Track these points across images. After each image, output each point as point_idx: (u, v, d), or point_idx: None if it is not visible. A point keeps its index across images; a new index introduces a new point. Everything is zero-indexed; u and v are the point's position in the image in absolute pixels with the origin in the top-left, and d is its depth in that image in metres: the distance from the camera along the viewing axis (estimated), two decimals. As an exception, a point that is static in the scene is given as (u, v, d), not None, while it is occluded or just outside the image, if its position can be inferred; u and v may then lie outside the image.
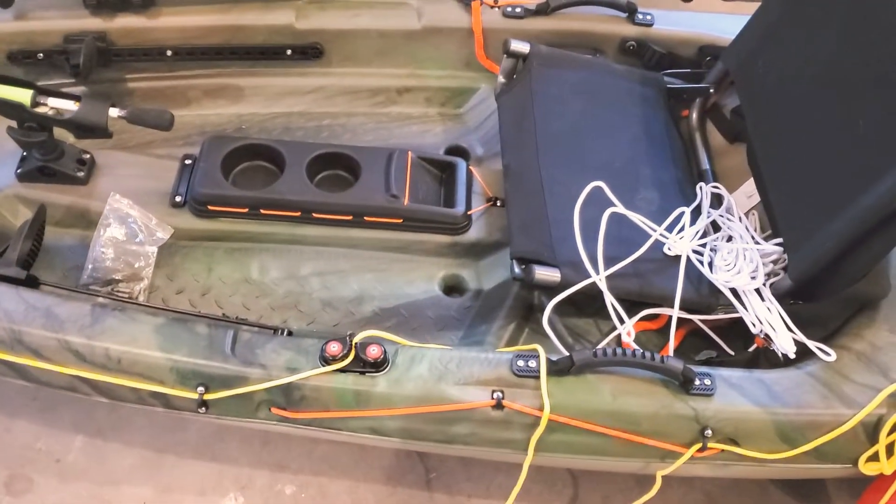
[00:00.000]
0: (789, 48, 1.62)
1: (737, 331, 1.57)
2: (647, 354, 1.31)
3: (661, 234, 1.54)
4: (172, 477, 1.60)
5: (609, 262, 1.46)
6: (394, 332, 1.53)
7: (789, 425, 1.34)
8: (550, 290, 1.48)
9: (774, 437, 1.35)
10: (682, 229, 1.60)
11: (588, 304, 1.56)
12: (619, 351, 1.32)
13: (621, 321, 1.49)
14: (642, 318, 1.55)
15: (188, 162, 1.67)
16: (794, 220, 1.51)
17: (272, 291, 1.59)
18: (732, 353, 1.56)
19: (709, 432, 1.33)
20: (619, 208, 1.49)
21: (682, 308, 1.50)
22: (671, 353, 1.47)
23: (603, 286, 1.45)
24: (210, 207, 1.59)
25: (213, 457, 1.63)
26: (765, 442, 1.36)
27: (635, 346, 1.47)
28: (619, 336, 1.53)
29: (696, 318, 1.55)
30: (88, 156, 1.64)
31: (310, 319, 1.57)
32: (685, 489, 1.67)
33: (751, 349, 1.54)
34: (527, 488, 1.40)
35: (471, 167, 1.73)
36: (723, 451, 1.35)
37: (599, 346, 1.52)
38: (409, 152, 1.69)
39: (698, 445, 1.34)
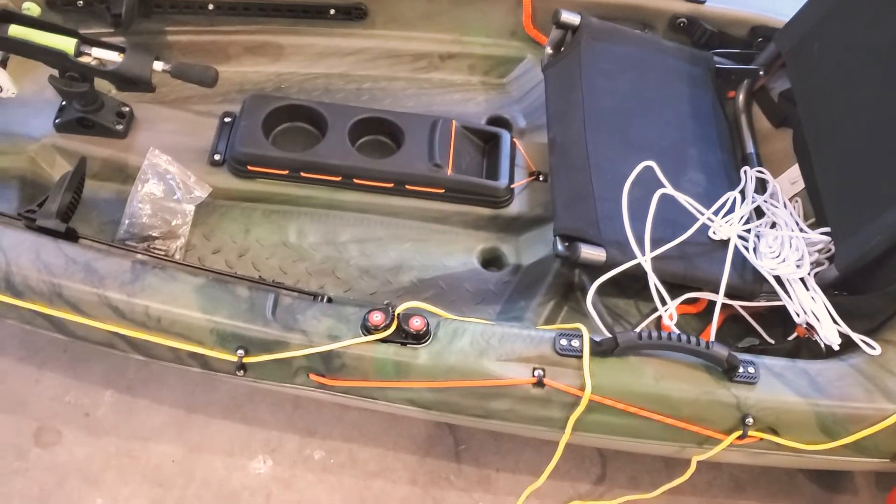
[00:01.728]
0: (849, 32, 1.59)
1: (776, 318, 1.56)
2: (692, 339, 1.29)
3: (708, 218, 1.52)
4: (202, 436, 1.60)
5: (654, 243, 1.44)
6: (431, 303, 1.52)
7: (831, 417, 1.33)
8: (593, 269, 1.46)
9: (815, 428, 1.34)
10: (728, 212, 1.58)
11: (630, 284, 1.54)
12: (663, 334, 1.30)
13: (663, 303, 1.47)
14: (683, 302, 1.54)
15: (228, 120, 1.65)
16: (843, 210, 1.48)
17: (310, 256, 1.57)
18: (772, 341, 1.55)
19: (750, 420, 1.32)
20: (669, 189, 1.46)
21: (725, 294, 1.49)
22: (713, 338, 1.46)
23: (648, 268, 1.43)
24: (249, 168, 1.57)
25: (242, 418, 1.62)
26: (805, 432, 1.34)
27: (676, 330, 1.45)
28: (659, 318, 1.52)
29: (737, 304, 1.53)
30: (128, 109, 1.61)
31: (347, 287, 1.55)
32: (714, 473, 1.66)
33: (791, 338, 1.53)
34: (555, 465, 1.39)
35: (514, 139, 1.70)
36: (761, 439, 1.35)
37: (640, 327, 1.51)
38: (453, 121, 1.66)
39: (738, 433, 1.33)
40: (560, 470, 1.60)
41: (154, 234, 1.53)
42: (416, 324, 1.29)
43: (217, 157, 1.59)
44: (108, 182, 1.60)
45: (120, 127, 1.58)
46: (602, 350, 1.30)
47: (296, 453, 1.60)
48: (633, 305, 1.56)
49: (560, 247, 1.47)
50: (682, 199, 1.48)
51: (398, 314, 1.29)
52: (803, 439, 1.35)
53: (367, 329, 1.28)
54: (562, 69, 1.70)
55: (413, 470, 1.60)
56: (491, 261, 1.64)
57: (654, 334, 1.30)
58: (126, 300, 1.29)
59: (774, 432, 1.34)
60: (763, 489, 1.67)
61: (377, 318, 1.28)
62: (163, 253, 1.53)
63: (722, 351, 1.29)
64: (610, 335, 1.43)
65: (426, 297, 1.55)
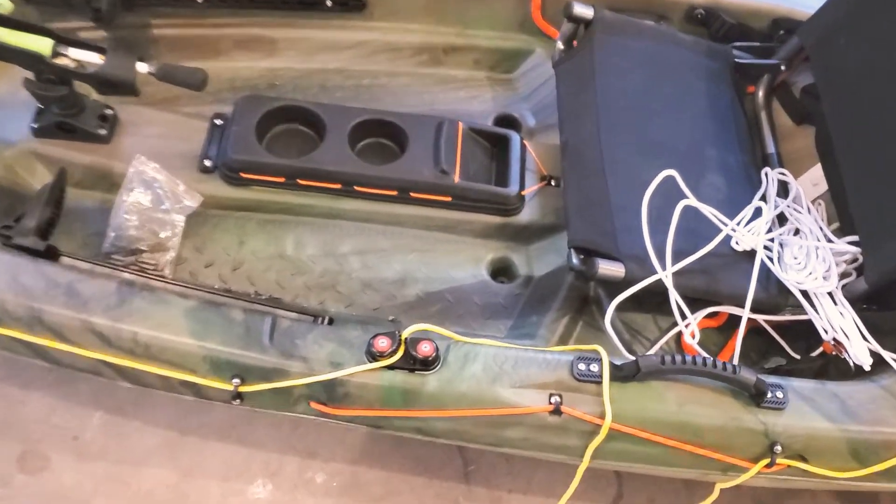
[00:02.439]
0: (879, 25, 1.49)
1: (800, 330, 1.48)
2: (718, 364, 1.21)
3: (726, 223, 1.43)
4: (197, 460, 1.51)
5: (674, 256, 1.36)
6: (438, 318, 1.45)
7: (863, 443, 1.25)
8: (610, 283, 1.37)
9: (846, 454, 1.26)
10: (751, 220, 1.49)
11: (648, 298, 1.44)
12: (688, 358, 1.22)
13: (683, 317, 1.39)
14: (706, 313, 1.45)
15: (219, 122, 1.55)
16: (873, 217, 1.40)
17: (309, 269, 1.48)
18: (797, 356, 1.47)
19: (778, 448, 1.24)
20: (693, 201, 1.37)
21: (743, 305, 1.41)
22: (736, 357, 1.38)
23: (669, 284, 1.34)
24: (243, 175, 1.47)
25: (239, 440, 1.54)
26: (835, 459, 1.27)
27: (699, 349, 1.38)
28: (679, 334, 1.44)
29: (762, 318, 1.45)
30: (111, 112, 1.51)
31: (348, 302, 1.46)
32: (734, 493, 1.59)
33: (816, 353, 1.45)
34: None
35: (524, 141, 1.60)
36: (789, 466, 1.28)
37: (659, 343, 1.43)
38: (460, 123, 1.56)
39: (766, 461, 1.25)
40: (575, 491, 1.53)
41: (142, 248, 1.44)
42: (424, 349, 1.20)
43: (208, 163, 1.49)
44: (91, 190, 1.50)
45: (103, 131, 1.48)
46: (623, 375, 1.22)
47: (296, 476, 1.52)
48: (650, 320, 1.48)
49: (575, 260, 1.38)
50: (706, 210, 1.39)
51: (405, 339, 1.21)
52: (833, 466, 1.27)
53: (373, 355, 1.20)
54: (574, 66, 1.60)
55: (420, 493, 1.53)
56: (500, 271, 1.55)
57: (678, 358, 1.21)
58: (112, 326, 1.20)
59: (803, 459, 1.27)
60: (785, 507, 1.60)
61: (383, 343, 1.19)
62: (152, 267, 1.44)
63: (750, 376, 1.21)
64: (629, 356, 1.36)
65: (433, 311, 1.46)
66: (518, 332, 1.43)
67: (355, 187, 1.49)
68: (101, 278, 1.25)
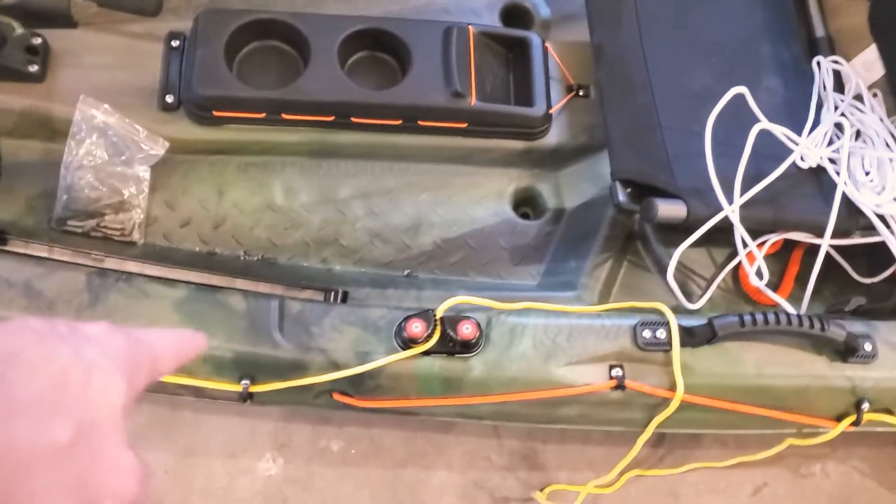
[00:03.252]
0: None
1: (858, 250, 1.31)
2: (805, 321, 1.05)
3: (797, 143, 1.23)
4: (195, 438, 1.33)
5: (730, 182, 1.16)
6: (461, 268, 1.26)
7: (956, 390, 1.13)
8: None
9: (937, 404, 1.14)
10: (812, 128, 1.29)
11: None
12: (770, 317, 1.05)
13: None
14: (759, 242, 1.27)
15: (175, 44, 1.25)
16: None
17: (305, 221, 1.24)
18: (863, 279, 1.31)
19: (865, 406, 1.11)
20: (765, 123, 1.16)
21: (813, 233, 1.24)
22: (807, 298, 1.22)
23: (735, 220, 1.15)
24: (215, 113, 1.21)
25: (239, 411, 1.35)
26: (924, 409, 1.15)
27: (771, 294, 1.21)
28: (738, 269, 1.27)
29: (831, 242, 1.27)
30: (40, 41, 1.20)
31: (355, 256, 1.24)
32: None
33: (884, 275, 1.30)
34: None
35: (546, 44, 1.34)
36: (870, 420, 1.15)
37: (716, 281, 1.25)
38: (470, 27, 1.29)
39: (851, 418, 1.12)
40: (613, 434, 1.40)
41: (103, 210, 1.19)
42: (465, 331, 1.01)
43: (170, 98, 1.22)
44: (29, 140, 1.21)
45: (34, 68, 1.18)
46: (695, 342, 1.06)
47: (310, 447, 1.35)
48: (704, 253, 1.29)
49: (622, 196, 1.17)
50: (778, 130, 1.18)
51: (440, 318, 1.02)
52: (921, 415, 1.16)
53: (405, 341, 1.01)
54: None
55: (448, 452, 1.38)
56: (525, 202, 1.33)
57: (760, 318, 1.05)
58: (87, 329, 0.98)
59: (889, 412, 1.14)
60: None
61: (417, 328, 0.99)
62: (118, 232, 1.19)
63: (839, 331, 1.06)
64: (689, 305, 1.19)
65: (454, 261, 1.25)
66: (555, 281, 1.24)
67: (351, 118, 1.24)
68: (64, 270, 1.01)
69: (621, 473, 1.34)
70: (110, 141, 1.19)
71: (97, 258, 1.07)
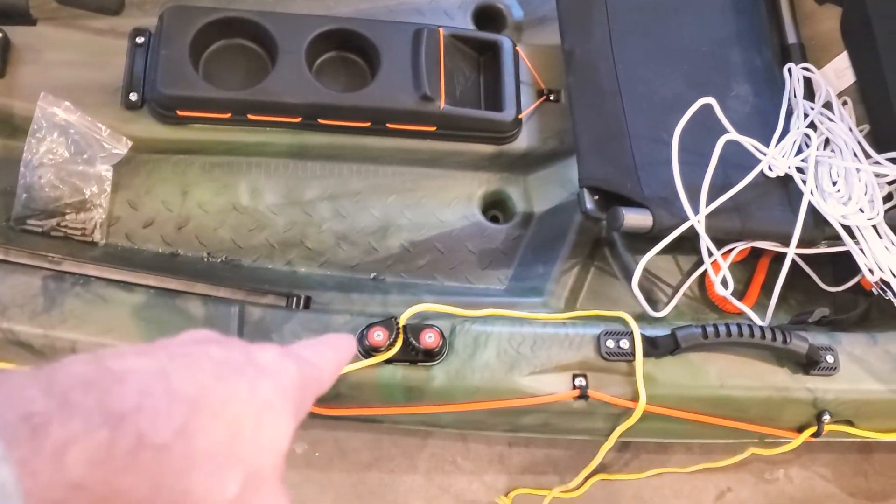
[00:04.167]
0: None
1: (824, 259, 1.31)
2: (767, 334, 1.05)
3: (765, 153, 1.23)
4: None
5: (696, 191, 1.16)
6: (428, 271, 1.25)
7: (916, 403, 1.14)
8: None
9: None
10: (781, 137, 1.29)
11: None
12: (732, 329, 1.05)
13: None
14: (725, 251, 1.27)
15: (140, 40, 1.23)
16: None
17: (270, 222, 1.23)
18: (829, 288, 1.32)
19: (826, 417, 1.11)
20: (734, 135, 1.16)
21: (780, 242, 1.24)
22: (772, 306, 1.22)
23: (701, 230, 1.15)
24: (179, 113, 1.19)
25: (203, 413, 1.34)
26: (884, 421, 1.16)
27: (736, 303, 1.21)
28: (703, 277, 1.27)
29: (796, 251, 1.27)
30: (0, 35, 1.18)
31: (321, 259, 1.23)
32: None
33: (847, 286, 1.30)
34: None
35: (518, 48, 1.33)
36: (831, 431, 1.15)
37: (682, 289, 1.25)
38: (441, 29, 1.28)
39: (812, 430, 1.13)
40: (579, 439, 1.40)
41: (63, 209, 1.17)
42: (428, 340, 1.00)
43: (133, 96, 1.20)
44: (-13, 137, 1.20)
45: (-7, 63, 1.17)
46: (658, 353, 1.06)
47: (273, 450, 1.34)
48: (671, 261, 1.29)
49: (589, 204, 1.17)
50: (747, 142, 1.18)
51: (403, 326, 1.01)
52: (880, 428, 1.16)
53: (367, 350, 1.00)
54: (573, -49, 1.31)
55: (413, 455, 1.37)
56: (494, 206, 1.33)
57: (722, 329, 1.05)
58: (43, 335, 0.97)
59: (850, 423, 1.15)
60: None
61: (378, 336, 0.99)
62: (79, 232, 1.18)
63: (802, 344, 1.06)
64: (654, 313, 1.19)
65: (421, 265, 1.25)
66: (522, 286, 1.24)
67: (319, 120, 1.22)
68: (20, 273, 0.99)
69: (586, 479, 1.34)
70: (72, 139, 1.17)
71: (54, 260, 1.04)
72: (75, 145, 1.17)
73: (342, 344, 0.57)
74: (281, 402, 0.44)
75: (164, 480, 0.37)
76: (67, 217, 1.18)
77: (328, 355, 0.53)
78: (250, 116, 1.20)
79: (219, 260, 1.20)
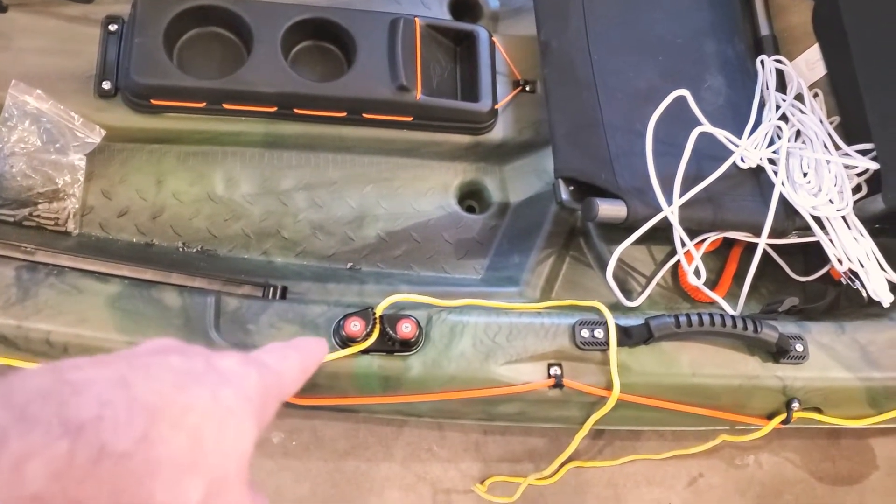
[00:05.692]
0: None
1: (796, 247, 1.34)
2: (739, 323, 1.07)
3: (737, 145, 1.24)
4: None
5: (670, 181, 1.17)
6: (404, 261, 1.25)
7: (882, 391, 1.16)
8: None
9: (864, 403, 1.17)
10: (754, 128, 1.30)
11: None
12: (705, 318, 1.06)
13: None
14: (697, 241, 1.29)
15: (113, 28, 1.22)
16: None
17: (245, 212, 1.23)
18: (799, 277, 1.34)
19: (795, 405, 1.13)
20: (707, 127, 1.17)
21: (752, 232, 1.26)
22: (744, 294, 1.23)
23: (674, 220, 1.17)
24: (154, 102, 1.18)
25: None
26: (851, 408, 1.18)
27: (708, 292, 1.23)
28: (676, 267, 1.29)
29: (767, 242, 1.29)
30: (-30, 22, 1.17)
31: (297, 249, 1.23)
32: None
33: (817, 275, 1.32)
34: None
35: (494, 38, 1.34)
36: (801, 418, 1.18)
37: (655, 279, 1.27)
38: (417, 19, 1.28)
39: (781, 417, 1.15)
40: (554, 427, 1.42)
41: (36, 199, 1.16)
42: (405, 330, 1.01)
43: (106, 85, 1.19)
44: (-42, 125, 1.18)
45: (-37, 50, 1.15)
46: (632, 342, 1.07)
47: (249, 439, 1.34)
48: (645, 251, 1.31)
49: (564, 194, 1.18)
50: (720, 134, 1.20)
51: (380, 316, 1.01)
52: (848, 414, 1.19)
53: (343, 340, 1.01)
54: (549, -58, 1.32)
55: (389, 444, 1.38)
56: (470, 196, 1.33)
57: (695, 319, 1.06)
58: (16, 325, 0.96)
59: (818, 411, 1.17)
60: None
61: (355, 327, 0.99)
62: (52, 222, 1.17)
63: (772, 333, 1.08)
64: (628, 303, 1.21)
65: (397, 255, 1.25)
66: (498, 276, 1.24)
67: (295, 109, 1.22)
68: (-9, 265, 0.99)
69: (561, 466, 1.36)
70: (44, 128, 1.16)
71: (28, 251, 1.03)
72: (47, 134, 1.16)
73: (311, 347, 0.56)
74: (243, 408, 0.44)
75: (125, 489, 0.37)
76: (40, 207, 1.17)
77: (293, 360, 0.53)
78: (225, 106, 1.20)
79: (194, 250, 1.20)
